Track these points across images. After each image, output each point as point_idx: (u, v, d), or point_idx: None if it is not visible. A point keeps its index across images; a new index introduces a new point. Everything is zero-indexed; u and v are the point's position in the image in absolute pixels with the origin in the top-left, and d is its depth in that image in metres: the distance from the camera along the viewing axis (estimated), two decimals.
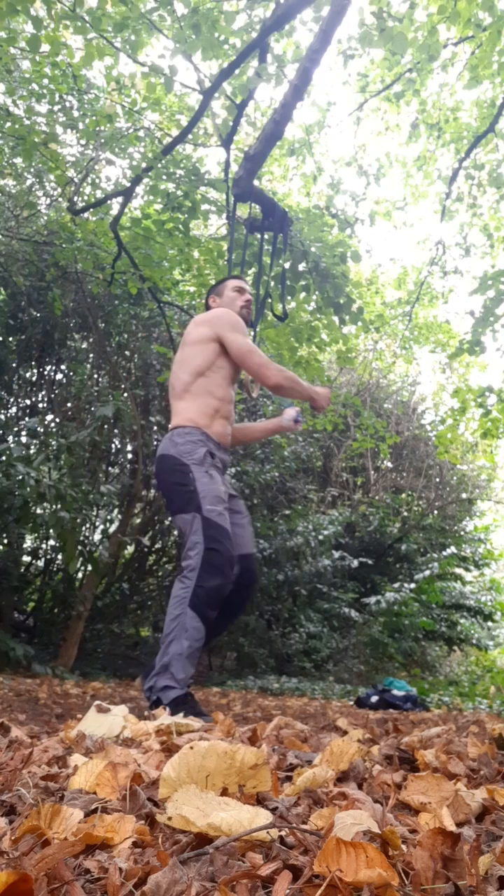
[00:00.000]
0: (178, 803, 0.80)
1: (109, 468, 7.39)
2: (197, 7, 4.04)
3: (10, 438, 6.12)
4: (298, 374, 6.41)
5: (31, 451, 5.25)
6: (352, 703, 4.85)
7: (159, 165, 4.67)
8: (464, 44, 6.13)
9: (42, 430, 6.32)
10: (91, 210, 5.93)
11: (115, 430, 7.09)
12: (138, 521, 7.37)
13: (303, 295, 5.09)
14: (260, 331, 5.52)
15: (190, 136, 5.21)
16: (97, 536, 6.97)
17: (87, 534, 6.61)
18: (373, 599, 7.70)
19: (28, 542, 6.55)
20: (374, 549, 9.21)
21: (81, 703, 3.14)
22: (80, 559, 5.88)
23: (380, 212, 8.40)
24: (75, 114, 5.66)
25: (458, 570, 9.36)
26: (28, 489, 4.54)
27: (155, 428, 7.13)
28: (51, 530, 5.50)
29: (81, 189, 6.65)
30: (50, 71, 5.47)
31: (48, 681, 4.31)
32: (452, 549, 9.14)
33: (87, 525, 6.50)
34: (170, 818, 0.79)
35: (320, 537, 7.46)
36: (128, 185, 5.28)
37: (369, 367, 10.98)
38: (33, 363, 7.07)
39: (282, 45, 5.42)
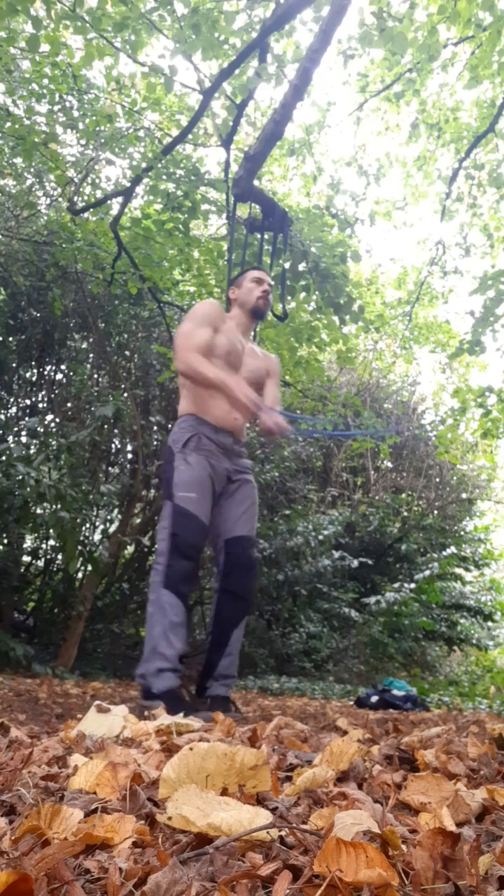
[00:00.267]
0: (178, 803, 0.80)
1: (109, 468, 7.39)
2: (197, 7, 4.04)
3: (10, 438, 6.12)
4: (298, 374, 6.41)
5: (31, 451, 5.25)
6: (352, 703, 4.85)
7: (159, 165, 4.66)
8: (464, 44, 6.12)
9: (42, 430, 6.32)
10: (91, 210, 5.93)
11: (115, 430, 7.08)
12: (138, 521, 7.37)
13: (303, 295, 5.09)
14: (260, 331, 5.52)
15: (190, 136, 5.21)
16: (97, 536, 6.97)
17: (87, 534, 6.61)
18: (373, 599, 7.70)
19: (28, 542, 6.55)
20: (374, 549, 9.21)
21: (81, 703, 3.13)
22: (80, 559, 5.88)
23: (380, 212, 8.40)
24: (75, 114, 5.66)
25: (458, 570, 9.36)
26: (28, 489, 4.54)
27: (155, 428, 7.13)
28: (51, 530, 5.50)
29: (81, 189, 6.65)
30: (50, 71, 5.47)
31: (48, 681, 4.31)
32: (452, 549, 9.14)
33: (87, 525, 6.50)
34: (170, 818, 0.79)
35: (320, 537, 7.45)
36: (128, 185, 5.29)
37: (369, 367, 10.98)
38: (33, 363, 7.07)
39: (282, 45, 5.41)
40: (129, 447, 7.41)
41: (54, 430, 6.32)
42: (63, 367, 7.16)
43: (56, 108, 5.55)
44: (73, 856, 0.72)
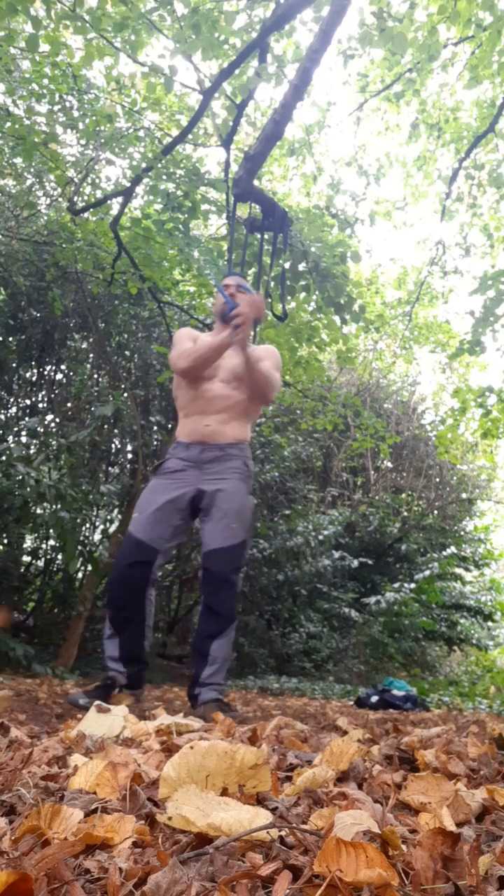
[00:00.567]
0: (178, 803, 0.80)
1: (109, 468, 7.39)
2: (197, 7, 4.04)
3: (10, 438, 6.12)
4: (298, 374, 6.41)
5: (31, 451, 5.25)
6: (352, 703, 4.85)
7: (159, 165, 4.66)
8: (464, 44, 6.12)
9: (42, 430, 6.32)
10: (91, 210, 5.92)
11: (115, 430, 7.08)
12: None
13: (303, 295, 5.09)
14: (260, 331, 5.51)
15: (190, 136, 5.21)
16: (97, 536, 6.96)
17: (87, 534, 6.60)
18: (373, 599, 7.71)
19: (28, 542, 6.54)
20: (374, 549, 9.22)
21: None
22: (80, 559, 5.88)
23: (380, 212, 8.40)
24: (75, 114, 5.66)
25: (458, 570, 9.37)
26: (28, 489, 4.54)
27: (155, 428, 7.13)
28: (51, 530, 5.50)
29: (81, 189, 6.64)
30: (50, 71, 5.46)
31: (48, 681, 4.31)
32: (452, 549, 9.14)
33: (87, 525, 6.50)
34: (170, 818, 0.79)
35: (320, 537, 7.46)
36: (128, 185, 5.28)
37: (369, 367, 10.98)
38: (33, 363, 7.07)
39: (282, 45, 5.41)
40: (129, 447, 7.41)
41: (54, 430, 6.32)
42: (63, 367, 7.16)
43: (56, 108, 5.54)
44: (73, 856, 0.72)
